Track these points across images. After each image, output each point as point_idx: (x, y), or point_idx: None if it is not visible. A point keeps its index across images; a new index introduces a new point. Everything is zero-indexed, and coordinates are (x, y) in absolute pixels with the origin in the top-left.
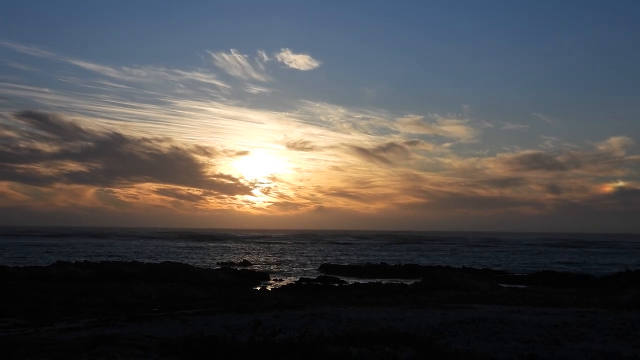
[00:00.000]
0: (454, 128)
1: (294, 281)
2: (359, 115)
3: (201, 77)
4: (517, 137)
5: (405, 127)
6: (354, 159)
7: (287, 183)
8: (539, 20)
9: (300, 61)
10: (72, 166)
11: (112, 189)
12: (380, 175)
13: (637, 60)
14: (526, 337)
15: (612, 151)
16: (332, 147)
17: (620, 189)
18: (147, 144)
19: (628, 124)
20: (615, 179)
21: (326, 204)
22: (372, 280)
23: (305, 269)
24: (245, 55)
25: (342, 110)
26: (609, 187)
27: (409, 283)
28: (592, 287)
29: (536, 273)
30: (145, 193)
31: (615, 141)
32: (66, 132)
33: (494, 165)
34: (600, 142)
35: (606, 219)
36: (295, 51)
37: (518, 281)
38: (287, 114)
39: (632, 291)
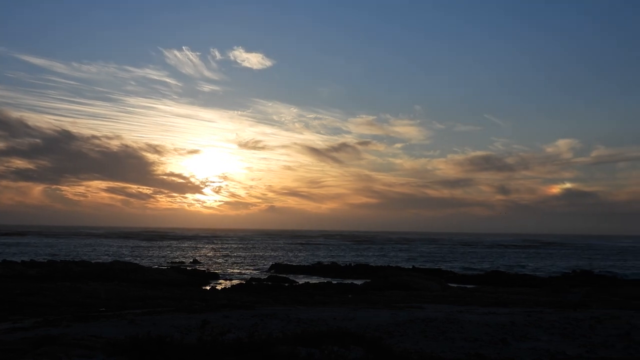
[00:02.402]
0: (406, 129)
1: (245, 281)
2: (312, 115)
3: (152, 74)
4: (468, 138)
5: (357, 127)
6: (306, 159)
7: (239, 182)
8: (491, 24)
9: (253, 60)
10: (19, 163)
11: (60, 187)
12: (332, 175)
13: (584, 65)
14: (474, 336)
15: (560, 153)
16: (284, 146)
17: (568, 190)
18: (97, 141)
19: (575, 127)
20: (563, 181)
21: (278, 204)
22: (323, 280)
23: (256, 269)
24: (198, 53)
25: (294, 110)
26: (556, 189)
27: (359, 283)
28: (539, 287)
29: (485, 273)
30: (94, 191)
31: (563, 144)
32: (13, 128)
33: (445, 166)
34: (548, 144)
35: (554, 220)
36: (249, 50)
37: (467, 281)
38: (240, 112)
39: (577, 291)
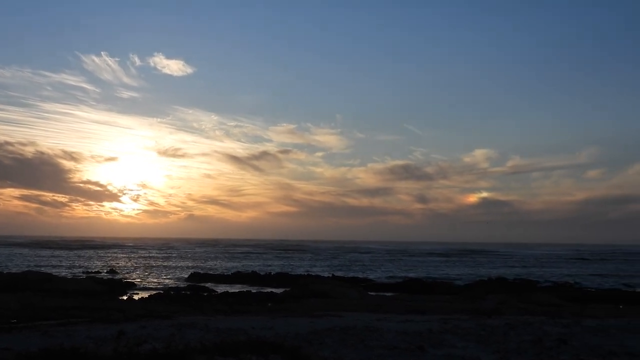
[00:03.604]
0: (327, 138)
1: (163, 290)
2: (233, 123)
3: (69, 79)
4: (388, 147)
5: (278, 135)
6: (226, 167)
7: (158, 190)
8: (412, 34)
9: (173, 66)
10: None
11: None
12: (252, 184)
13: (500, 78)
14: (392, 344)
15: (477, 163)
16: (204, 154)
17: (484, 199)
18: (10, 147)
19: (492, 137)
20: (480, 190)
21: (197, 212)
22: (243, 289)
23: (174, 278)
24: (117, 59)
25: (215, 118)
26: (473, 198)
27: (279, 291)
28: (456, 294)
29: (403, 281)
30: (7, 199)
31: (480, 154)
32: None
33: (365, 175)
34: (466, 154)
35: (471, 229)
36: (169, 56)
37: (386, 289)
38: (159, 120)
39: (492, 298)
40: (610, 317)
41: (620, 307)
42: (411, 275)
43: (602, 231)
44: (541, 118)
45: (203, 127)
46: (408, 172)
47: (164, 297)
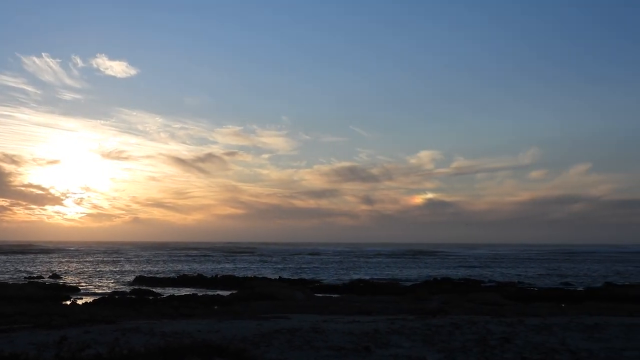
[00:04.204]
0: (273, 139)
1: (107, 294)
2: (178, 125)
3: (9, 81)
4: (334, 149)
5: (224, 137)
6: (171, 169)
7: (102, 193)
8: (355, 36)
9: (117, 68)
10: None
11: None
12: (198, 186)
13: (445, 79)
14: (338, 344)
15: (422, 164)
16: (149, 156)
17: (429, 200)
18: None
19: (437, 139)
20: (425, 191)
21: (142, 215)
22: (189, 292)
23: (119, 282)
24: (58, 60)
25: (159, 120)
26: (419, 199)
27: (225, 294)
28: (402, 294)
29: (350, 282)
30: None
31: (425, 155)
32: None
33: (311, 177)
34: (411, 155)
35: (416, 229)
36: (112, 57)
37: (333, 290)
38: (102, 122)
39: (438, 298)
40: (552, 316)
41: (562, 305)
42: (358, 276)
43: (544, 231)
44: (485, 120)
45: (147, 129)
46: (354, 174)
47: (109, 302)
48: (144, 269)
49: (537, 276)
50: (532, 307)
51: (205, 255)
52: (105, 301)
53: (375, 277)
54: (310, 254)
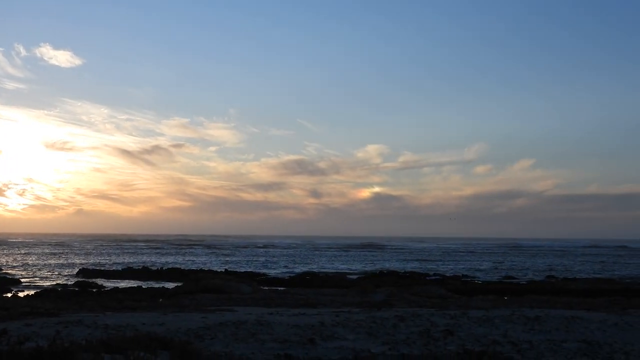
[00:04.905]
0: (220, 132)
1: (50, 287)
2: (124, 116)
3: None
4: (282, 142)
5: (170, 129)
6: (117, 161)
7: (45, 185)
8: (305, 30)
9: (61, 57)
10: None
11: None
12: (144, 178)
13: (393, 73)
14: (283, 337)
15: (370, 158)
16: (94, 148)
17: (376, 194)
18: None
19: (384, 133)
20: (372, 185)
21: (87, 207)
22: (133, 284)
23: (62, 274)
24: (1, 49)
25: (105, 111)
26: (366, 193)
27: (171, 287)
28: (348, 287)
29: (296, 275)
30: None
31: (372, 149)
32: None
33: (258, 170)
34: (359, 149)
35: (363, 223)
36: (57, 47)
37: (279, 283)
38: (46, 112)
39: (383, 291)
40: (495, 309)
41: (505, 298)
42: (305, 269)
43: (489, 225)
44: (432, 115)
45: (93, 120)
46: (301, 167)
47: (51, 294)
48: (88, 261)
49: (481, 270)
50: (475, 300)
51: (151, 248)
52: (48, 294)
53: (322, 270)
54: (257, 247)
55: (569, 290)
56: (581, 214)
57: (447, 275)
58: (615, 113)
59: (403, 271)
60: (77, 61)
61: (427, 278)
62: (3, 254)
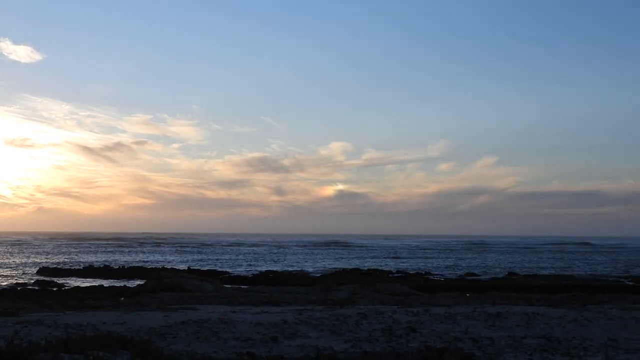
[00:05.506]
0: (183, 129)
1: (8, 286)
2: (85, 113)
3: None
4: (245, 139)
5: (133, 126)
6: (78, 158)
7: (5, 182)
8: (270, 26)
9: (21, 52)
10: None
11: None
12: (106, 175)
13: (357, 71)
14: (246, 335)
15: (333, 156)
16: (55, 144)
17: (340, 192)
18: None
19: (348, 130)
20: (336, 182)
21: (47, 205)
22: (95, 283)
23: (22, 273)
24: None
25: (66, 107)
26: (330, 190)
27: (133, 285)
28: (311, 285)
29: (260, 273)
30: None
31: (336, 146)
32: None
33: (222, 167)
34: (323, 147)
35: (327, 220)
36: (16, 42)
37: (242, 282)
38: (6, 108)
39: (346, 288)
40: (457, 305)
41: (467, 295)
42: (269, 267)
43: (452, 222)
44: (395, 112)
45: (53, 116)
46: (265, 165)
47: (10, 294)
48: (48, 260)
49: (443, 267)
50: (437, 297)
51: (113, 246)
52: (6, 293)
53: (286, 268)
54: (221, 245)
55: (530, 286)
56: (543, 210)
57: (410, 272)
58: (576, 111)
59: (366, 269)
60: (38, 56)
61: (390, 275)
62: None
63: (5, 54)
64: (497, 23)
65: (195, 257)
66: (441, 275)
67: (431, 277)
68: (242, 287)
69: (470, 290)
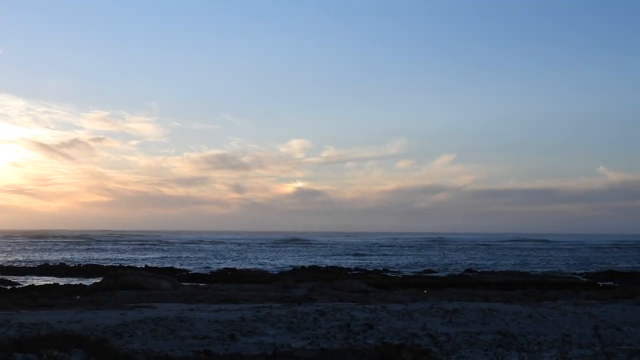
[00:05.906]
0: (142, 126)
1: None
2: (41, 109)
3: None
4: (204, 137)
5: (90, 123)
6: (34, 155)
7: None
8: (228, 23)
9: None
10: None
11: None
12: (62, 173)
13: (316, 68)
14: (203, 333)
15: (293, 153)
16: (10, 141)
17: (299, 189)
18: None
19: (307, 128)
20: (295, 180)
21: (2, 202)
22: (50, 281)
23: None
24: None
25: (22, 103)
26: (289, 187)
27: (89, 283)
28: (269, 282)
29: (218, 271)
30: None
31: (295, 144)
32: None
33: (180, 164)
34: (282, 144)
35: (286, 218)
36: None
37: (200, 279)
38: None
39: (304, 286)
40: (414, 302)
41: (425, 292)
42: (228, 265)
43: (411, 220)
44: (354, 110)
45: (8, 112)
46: (224, 162)
47: None
48: (2, 258)
49: (401, 264)
50: (395, 294)
51: (69, 244)
52: None
53: (245, 265)
54: (179, 242)
55: (487, 283)
56: (501, 207)
57: (368, 269)
58: (535, 110)
59: (325, 266)
60: None
61: (349, 272)
62: None
63: None
64: (455, 22)
65: (153, 254)
66: (400, 272)
67: (389, 274)
68: (200, 284)
69: (428, 287)
